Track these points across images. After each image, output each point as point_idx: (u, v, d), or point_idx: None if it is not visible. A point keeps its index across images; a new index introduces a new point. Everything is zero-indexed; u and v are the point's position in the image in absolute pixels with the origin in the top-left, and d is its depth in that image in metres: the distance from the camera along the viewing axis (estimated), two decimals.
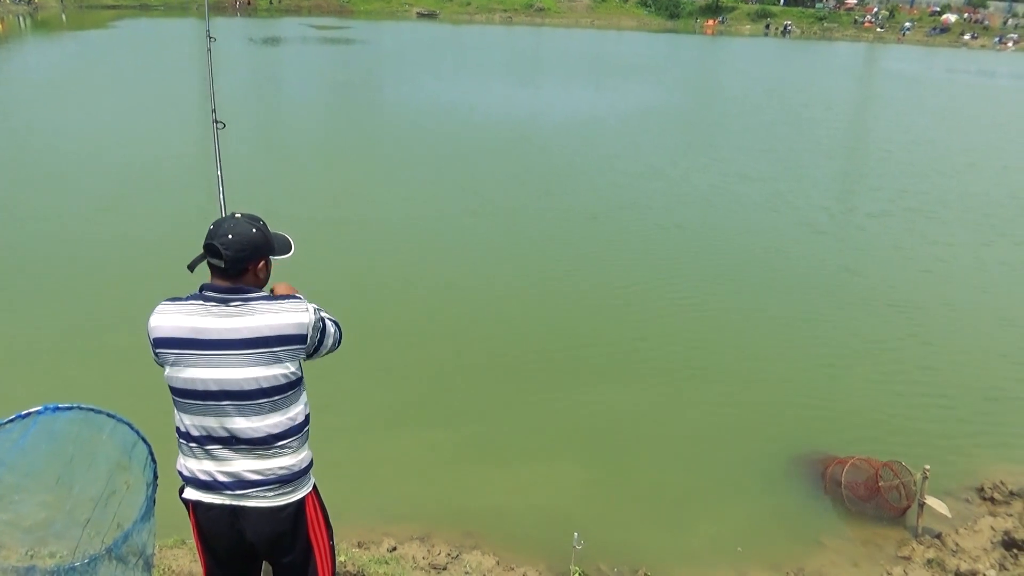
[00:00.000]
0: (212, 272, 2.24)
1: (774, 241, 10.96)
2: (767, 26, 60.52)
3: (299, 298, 2.33)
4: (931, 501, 5.18)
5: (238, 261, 2.19)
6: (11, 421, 2.04)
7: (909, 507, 5.39)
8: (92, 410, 2.13)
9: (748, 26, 61.33)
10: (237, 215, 2.27)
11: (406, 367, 7.13)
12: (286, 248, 2.38)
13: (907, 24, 59.64)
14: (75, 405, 2.11)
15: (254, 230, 2.24)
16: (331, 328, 2.40)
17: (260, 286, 2.31)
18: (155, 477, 2.24)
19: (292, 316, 2.25)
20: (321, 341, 2.35)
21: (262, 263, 2.30)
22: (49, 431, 2.06)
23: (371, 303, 8.38)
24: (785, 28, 59.31)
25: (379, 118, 19.72)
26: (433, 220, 11.29)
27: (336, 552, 2.52)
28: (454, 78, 27.61)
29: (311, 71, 28.01)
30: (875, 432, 6.40)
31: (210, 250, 2.18)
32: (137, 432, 2.20)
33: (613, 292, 8.93)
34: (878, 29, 59.89)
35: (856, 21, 61.69)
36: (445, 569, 4.60)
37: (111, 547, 2.14)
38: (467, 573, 4.62)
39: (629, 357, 7.53)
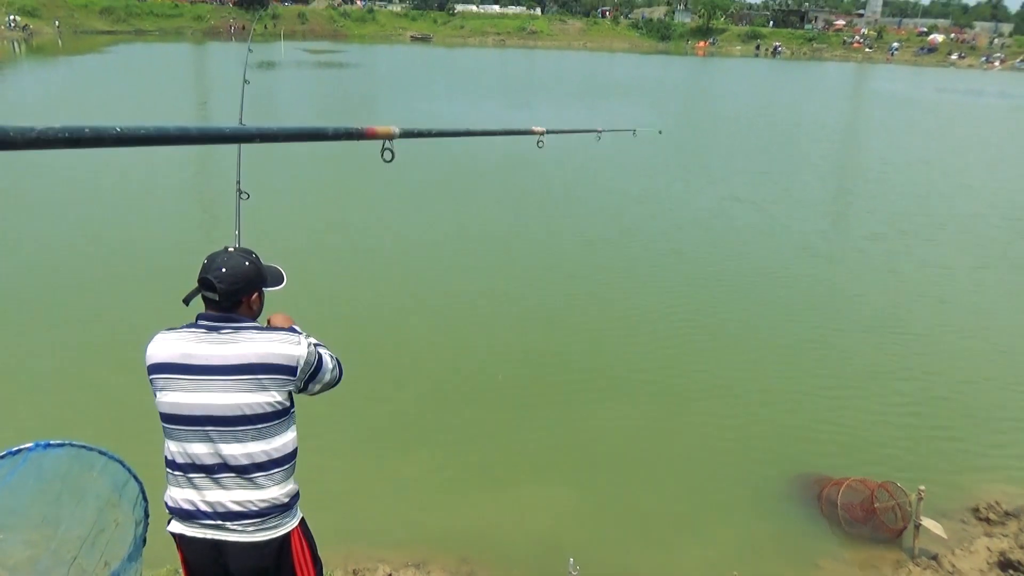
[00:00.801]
0: (206, 305, 2.26)
1: (770, 265, 10.99)
2: (757, 47, 61.27)
3: (295, 331, 2.34)
4: (927, 522, 5.17)
5: (231, 294, 2.21)
6: (1, 458, 2.03)
7: (905, 528, 5.38)
8: (84, 447, 2.13)
9: (739, 47, 62.06)
10: (230, 249, 2.29)
11: (402, 391, 7.12)
12: (278, 280, 2.40)
13: (895, 44, 60.43)
14: (67, 442, 2.11)
15: (247, 263, 2.26)
16: (329, 363, 2.39)
17: (254, 318, 2.33)
18: (146, 515, 2.23)
19: (281, 347, 2.26)
20: (314, 376, 2.35)
21: (255, 295, 2.32)
22: (38, 468, 2.05)
23: (365, 327, 8.37)
24: (775, 49, 60.03)
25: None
26: (427, 245, 11.31)
27: None
28: (447, 100, 27.78)
29: (305, 94, 28.17)
30: (870, 454, 6.39)
31: (204, 284, 2.20)
32: (128, 469, 2.19)
33: (609, 316, 8.94)
34: (867, 49, 60.66)
35: (845, 42, 62.52)
36: None
37: None
38: None
39: (625, 380, 7.52)
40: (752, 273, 10.54)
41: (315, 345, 2.37)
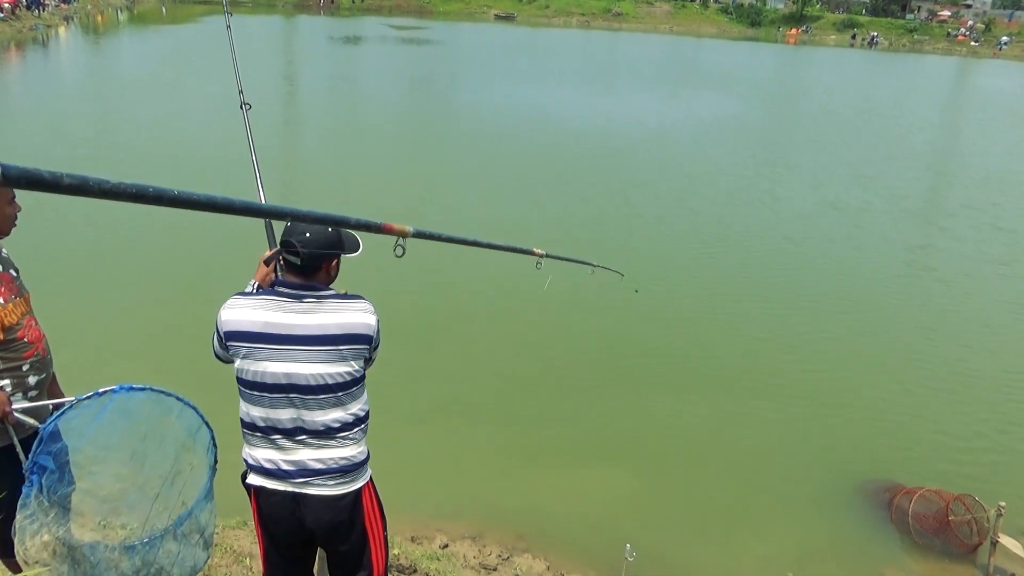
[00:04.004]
0: (287, 268, 2.32)
1: (860, 264, 10.56)
2: (853, 36, 58.66)
3: (364, 298, 2.40)
4: (1005, 540, 4.94)
5: (313, 259, 2.26)
6: (88, 398, 2.16)
7: (980, 544, 5.15)
8: (163, 392, 2.24)
9: (833, 36, 59.59)
10: None
11: (465, 368, 7.19)
12: (355, 247, 2.45)
13: (1004, 39, 56.89)
14: (147, 387, 2.22)
15: (329, 229, 2.30)
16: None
17: (330, 283, 2.39)
18: (215, 461, 2.34)
19: (361, 316, 2.32)
20: (379, 345, 2.42)
21: (335, 261, 2.38)
22: (124, 409, 2.17)
23: (432, 304, 8.47)
24: (872, 39, 57.39)
25: (452, 120, 19.93)
26: (499, 222, 11.34)
27: (389, 544, 2.58)
28: (529, 82, 27.65)
29: (388, 70, 28.54)
30: (949, 464, 6.14)
31: (287, 246, 2.26)
32: (202, 417, 2.30)
33: (682, 304, 8.81)
34: (972, 43, 57.34)
35: (949, 34, 59.25)
36: (495, 570, 4.64)
37: (175, 524, 2.23)
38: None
39: (695, 369, 7.43)
40: (843, 276, 10.06)
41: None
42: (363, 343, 2.32)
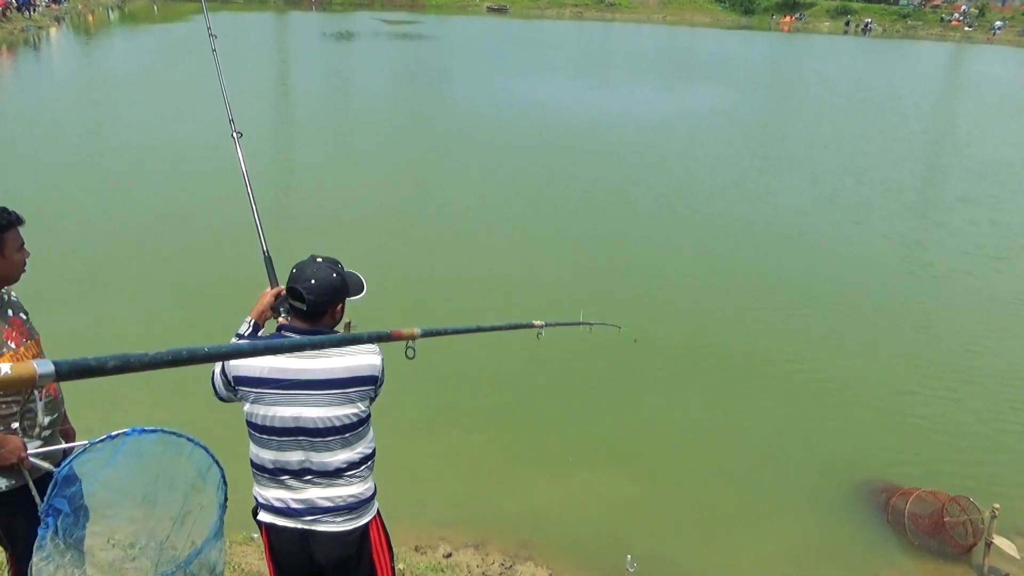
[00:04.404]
0: (292, 313, 2.38)
1: (857, 263, 10.55)
2: (847, 23, 58.56)
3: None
4: (999, 541, 5.02)
5: (319, 305, 2.32)
6: (101, 441, 2.22)
7: (975, 545, 5.24)
8: (173, 433, 2.30)
9: (827, 23, 59.47)
10: (318, 259, 2.39)
11: (464, 372, 7.23)
12: (359, 289, 2.50)
13: (998, 23, 56.83)
14: (159, 429, 2.28)
15: (334, 275, 2.36)
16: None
17: (335, 326, 2.44)
18: (225, 499, 2.39)
19: (366, 358, 2.38)
20: (383, 382, 2.49)
21: (340, 306, 2.43)
22: (136, 451, 2.23)
23: (431, 306, 8.51)
24: (866, 26, 57.30)
25: (445, 118, 19.92)
26: (499, 221, 11.38)
27: (395, 560, 2.65)
28: (522, 76, 27.60)
29: (381, 66, 28.47)
30: (945, 465, 6.21)
31: (293, 293, 2.32)
32: (212, 456, 2.36)
33: (682, 307, 8.85)
34: (966, 28, 57.27)
35: (943, 19, 59.14)
36: None
37: (185, 562, 2.29)
38: None
39: (693, 370, 7.48)
40: (841, 276, 10.07)
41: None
42: (369, 384, 2.39)
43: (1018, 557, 5.01)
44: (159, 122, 17.03)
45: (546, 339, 7.96)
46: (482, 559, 5.04)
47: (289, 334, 2.35)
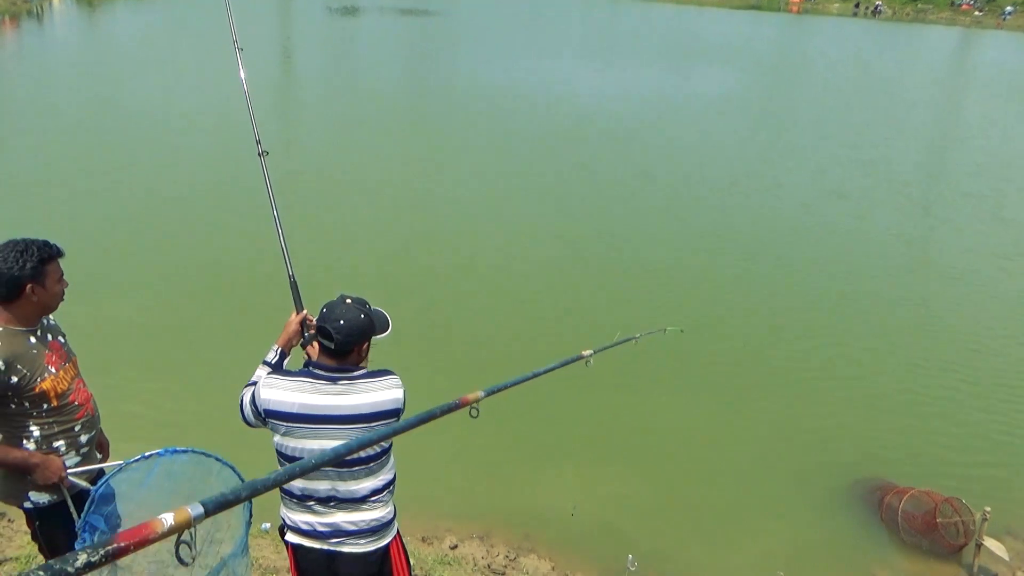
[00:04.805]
0: (322, 350, 2.49)
1: (859, 259, 10.55)
2: (856, 5, 57.93)
3: (392, 374, 2.56)
4: (990, 542, 5.17)
5: (347, 344, 2.44)
6: (136, 461, 2.35)
7: (966, 545, 5.38)
8: (203, 454, 2.42)
9: (836, 5, 58.82)
10: (348, 300, 2.51)
11: (470, 366, 7.34)
12: (385, 326, 2.62)
13: (1008, 8, 56.20)
14: (190, 449, 2.40)
15: (362, 316, 2.47)
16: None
17: (360, 362, 2.56)
18: (251, 516, 2.51)
19: (389, 394, 2.51)
20: (404, 408, 2.60)
21: (366, 344, 2.55)
22: (169, 472, 2.36)
23: (438, 299, 8.60)
24: (876, 8, 56.69)
25: (453, 100, 19.87)
26: (497, 212, 11.43)
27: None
28: (528, 58, 27.42)
29: (386, 44, 28.29)
30: (942, 466, 6.32)
31: (323, 332, 2.44)
32: (239, 475, 2.47)
33: (686, 304, 8.90)
34: (976, 13, 56.67)
35: (953, 3, 58.50)
36: (503, 574, 4.85)
37: (212, 573, 2.41)
38: None
39: (696, 368, 7.57)
40: (842, 273, 10.07)
41: None
42: (392, 417, 2.51)
43: (1007, 559, 5.16)
44: (165, 95, 17.01)
45: (552, 338, 8.05)
46: (487, 551, 5.19)
47: (318, 371, 2.46)
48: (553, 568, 5.14)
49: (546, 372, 2.69)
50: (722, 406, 7.01)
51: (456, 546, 5.22)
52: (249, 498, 1.18)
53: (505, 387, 2.32)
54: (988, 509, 5.14)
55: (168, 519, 1.06)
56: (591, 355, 3.30)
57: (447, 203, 11.65)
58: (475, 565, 4.99)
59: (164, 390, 6.51)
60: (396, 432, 1.98)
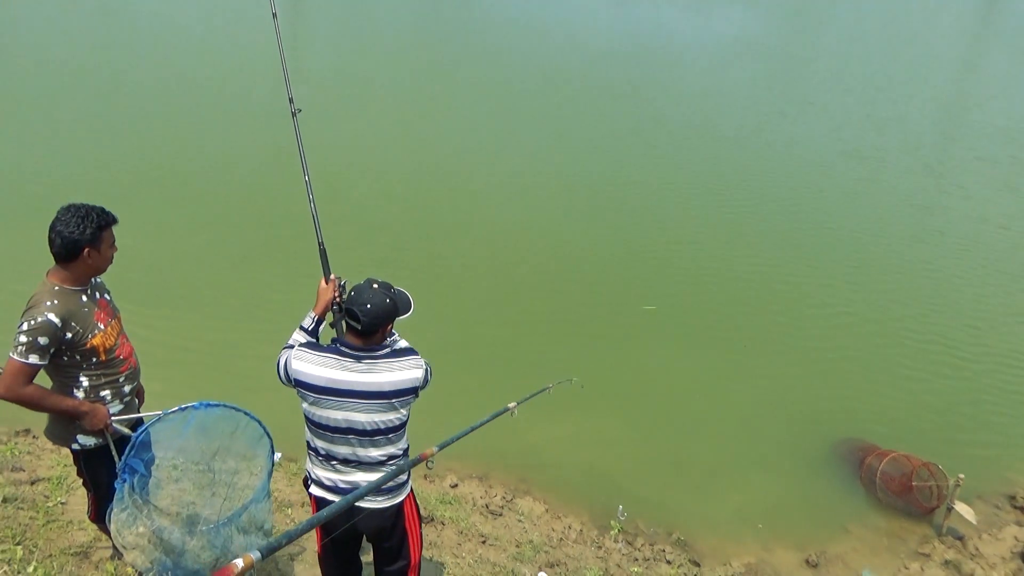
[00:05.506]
0: (348, 330, 2.69)
1: (866, 223, 10.59)
2: None
3: (414, 354, 2.75)
4: (960, 507, 5.46)
5: (373, 326, 2.64)
6: (173, 412, 2.58)
7: (937, 507, 5.68)
8: (234, 408, 2.65)
9: None
10: (375, 284, 2.69)
11: (468, 313, 7.54)
12: (408, 308, 2.81)
13: None
14: (222, 403, 2.63)
15: (388, 300, 2.66)
16: (429, 373, 2.85)
17: (384, 341, 2.76)
18: (273, 466, 2.77)
19: (409, 373, 2.71)
20: (426, 385, 2.80)
21: (389, 325, 2.74)
22: (202, 425, 2.60)
23: (438, 249, 8.71)
24: None
25: (465, 38, 19.49)
26: (499, 159, 11.45)
27: (424, 538, 3.10)
28: None
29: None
30: (925, 433, 6.58)
31: (350, 314, 2.63)
32: (264, 429, 2.71)
33: (691, 259, 9.07)
34: None
35: None
36: (501, 515, 5.16)
37: (235, 514, 2.68)
38: (520, 520, 5.18)
39: (689, 323, 7.78)
40: (848, 237, 10.15)
41: (425, 363, 2.82)
42: (411, 394, 2.74)
43: (974, 522, 5.47)
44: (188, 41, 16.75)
45: (551, 287, 8.21)
46: (485, 491, 5.50)
47: (345, 348, 2.67)
48: (547, 510, 5.45)
49: (472, 430, 3.06)
50: (718, 361, 7.25)
51: (456, 485, 5.53)
52: (298, 536, 1.60)
53: (454, 440, 2.82)
54: (962, 476, 5.42)
55: (240, 564, 1.44)
56: (515, 407, 3.63)
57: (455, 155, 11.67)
58: (474, 504, 5.30)
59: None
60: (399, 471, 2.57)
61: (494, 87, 14.86)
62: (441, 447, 2.64)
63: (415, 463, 2.54)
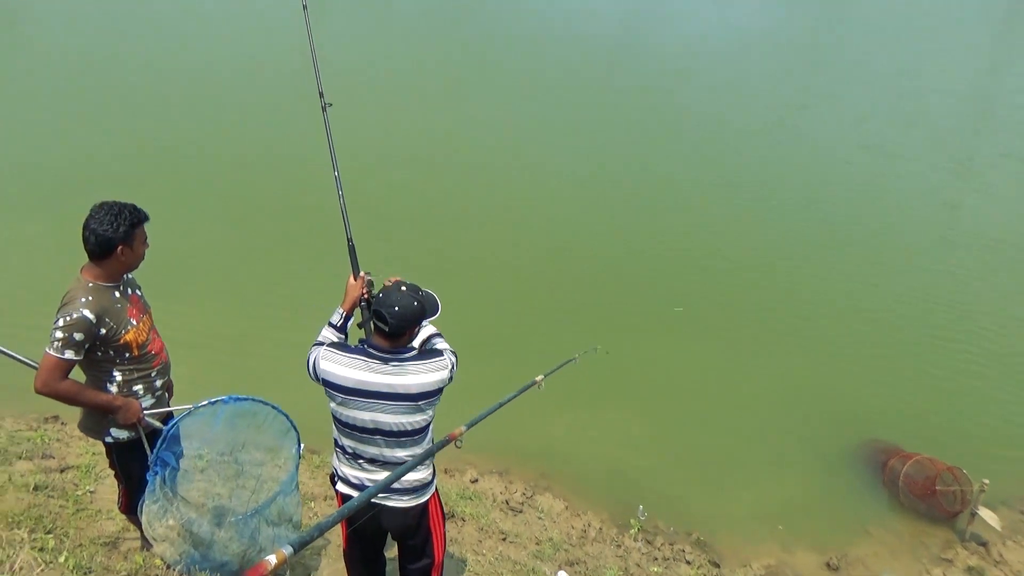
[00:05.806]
0: (376, 331, 2.71)
1: (891, 222, 10.43)
2: None
3: (442, 355, 2.77)
4: (984, 512, 5.40)
5: (400, 328, 2.66)
6: (203, 406, 2.62)
7: (961, 512, 5.62)
8: (261, 402, 2.68)
9: None
10: (403, 287, 2.71)
11: (488, 306, 7.53)
12: (435, 310, 2.83)
13: None
14: (250, 398, 2.67)
15: (415, 303, 2.68)
16: (456, 368, 2.86)
17: (410, 342, 2.78)
18: (300, 458, 2.80)
19: (435, 375, 2.73)
20: (451, 380, 2.83)
21: (416, 328, 2.77)
22: (232, 416, 2.63)
23: (456, 239, 8.74)
24: None
25: (480, 24, 19.44)
26: (520, 153, 11.44)
27: (447, 538, 3.09)
28: None
29: None
30: (948, 434, 6.50)
31: (379, 316, 2.65)
32: (291, 422, 2.74)
33: (713, 251, 9.02)
34: None
35: None
36: (521, 512, 5.18)
37: (263, 506, 2.72)
38: (540, 517, 5.19)
39: (709, 319, 7.74)
40: (872, 235, 10.02)
41: (449, 352, 2.83)
42: (436, 395, 2.76)
43: (998, 528, 5.41)
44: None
45: (572, 280, 8.19)
46: (505, 487, 5.51)
47: (372, 349, 2.70)
48: (566, 507, 5.46)
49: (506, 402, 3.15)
50: (739, 358, 7.20)
51: (476, 480, 5.55)
52: (323, 531, 1.65)
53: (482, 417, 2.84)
54: (986, 481, 5.36)
55: (272, 560, 1.44)
56: (542, 380, 3.69)
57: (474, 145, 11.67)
58: (494, 500, 5.32)
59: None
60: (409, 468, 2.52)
61: (518, 79, 14.82)
62: (470, 425, 2.71)
63: (443, 444, 2.59)
